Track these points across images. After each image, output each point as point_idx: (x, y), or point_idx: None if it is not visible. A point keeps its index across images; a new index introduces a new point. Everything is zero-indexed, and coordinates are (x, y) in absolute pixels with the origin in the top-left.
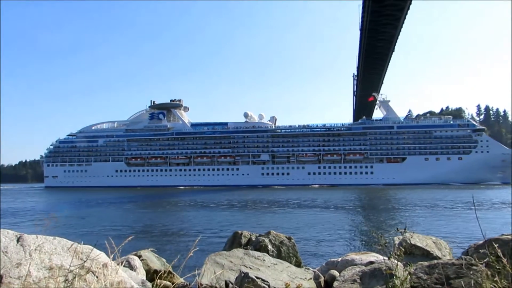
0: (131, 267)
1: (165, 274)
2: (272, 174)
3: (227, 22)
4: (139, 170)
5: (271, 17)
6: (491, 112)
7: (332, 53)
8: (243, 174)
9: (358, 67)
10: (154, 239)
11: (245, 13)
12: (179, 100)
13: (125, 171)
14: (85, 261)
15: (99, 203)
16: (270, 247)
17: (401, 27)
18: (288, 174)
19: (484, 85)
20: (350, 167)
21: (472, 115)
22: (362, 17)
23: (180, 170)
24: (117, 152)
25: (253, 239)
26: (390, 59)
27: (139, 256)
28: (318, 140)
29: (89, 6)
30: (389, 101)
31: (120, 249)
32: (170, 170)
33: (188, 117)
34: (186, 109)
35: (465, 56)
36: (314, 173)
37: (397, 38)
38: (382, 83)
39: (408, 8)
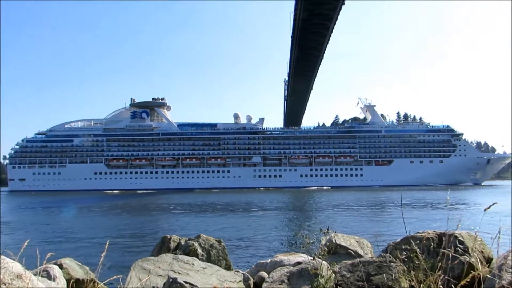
0: (49, 276)
1: (88, 283)
2: (264, 176)
3: (169, 21)
4: (121, 172)
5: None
6: (409, 119)
7: (266, 57)
8: (234, 177)
9: (289, 73)
10: (84, 245)
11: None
12: (163, 99)
13: (105, 173)
14: None
15: (52, 207)
16: (199, 251)
17: (330, 35)
18: (280, 176)
19: (405, 92)
20: (341, 169)
21: (392, 121)
22: (294, 24)
23: (167, 172)
24: (96, 153)
25: (183, 243)
26: (319, 66)
27: (60, 265)
28: (309, 143)
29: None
30: (375, 105)
31: (38, 257)
32: (156, 172)
33: (171, 117)
34: (169, 108)
35: (390, 62)
36: (306, 175)
37: (326, 45)
38: (312, 89)
39: (337, 18)
